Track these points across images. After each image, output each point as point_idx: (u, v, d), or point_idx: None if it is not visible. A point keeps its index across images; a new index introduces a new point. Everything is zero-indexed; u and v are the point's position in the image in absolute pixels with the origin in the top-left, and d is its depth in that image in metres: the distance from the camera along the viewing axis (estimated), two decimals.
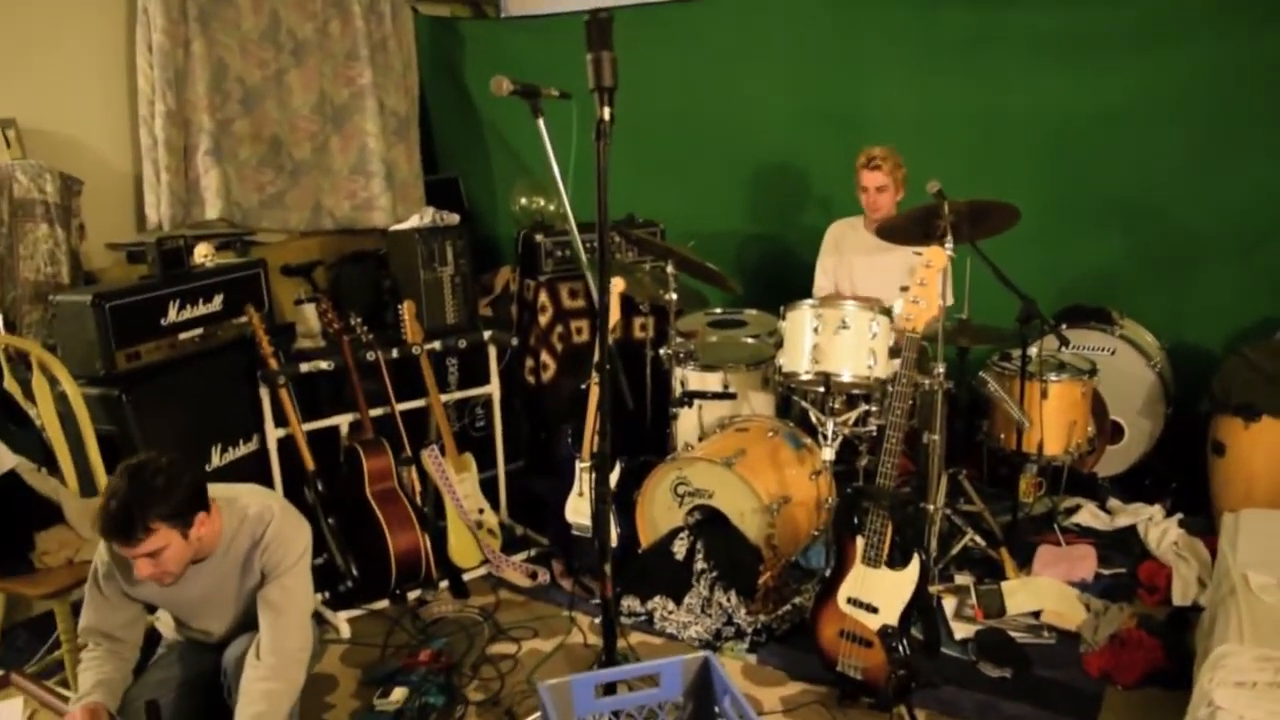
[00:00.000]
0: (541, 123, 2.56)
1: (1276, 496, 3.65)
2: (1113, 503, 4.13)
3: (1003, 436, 3.93)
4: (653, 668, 2.22)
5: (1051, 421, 3.79)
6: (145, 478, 2.19)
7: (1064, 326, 4.32)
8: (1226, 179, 4.14)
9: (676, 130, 5.27)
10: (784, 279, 4.85)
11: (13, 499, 2.94)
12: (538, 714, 2.75)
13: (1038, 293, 4.38)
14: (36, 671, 3.07)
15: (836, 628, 2.94)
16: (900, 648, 2.81)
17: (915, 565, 2.82)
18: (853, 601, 2.90)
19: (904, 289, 2.87)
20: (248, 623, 2.45)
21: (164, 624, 2.73)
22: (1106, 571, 3.68)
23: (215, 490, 2.44)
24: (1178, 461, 4.20)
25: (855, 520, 2.90)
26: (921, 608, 2.93)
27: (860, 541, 2.88)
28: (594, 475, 2.53)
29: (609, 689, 2.26)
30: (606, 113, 2.24)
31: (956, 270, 3.62)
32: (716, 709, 2.16)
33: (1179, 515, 3.90)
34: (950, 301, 3.93)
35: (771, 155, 5.06)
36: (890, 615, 2.84)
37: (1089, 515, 4.06)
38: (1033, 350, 3.88)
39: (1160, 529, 3.81)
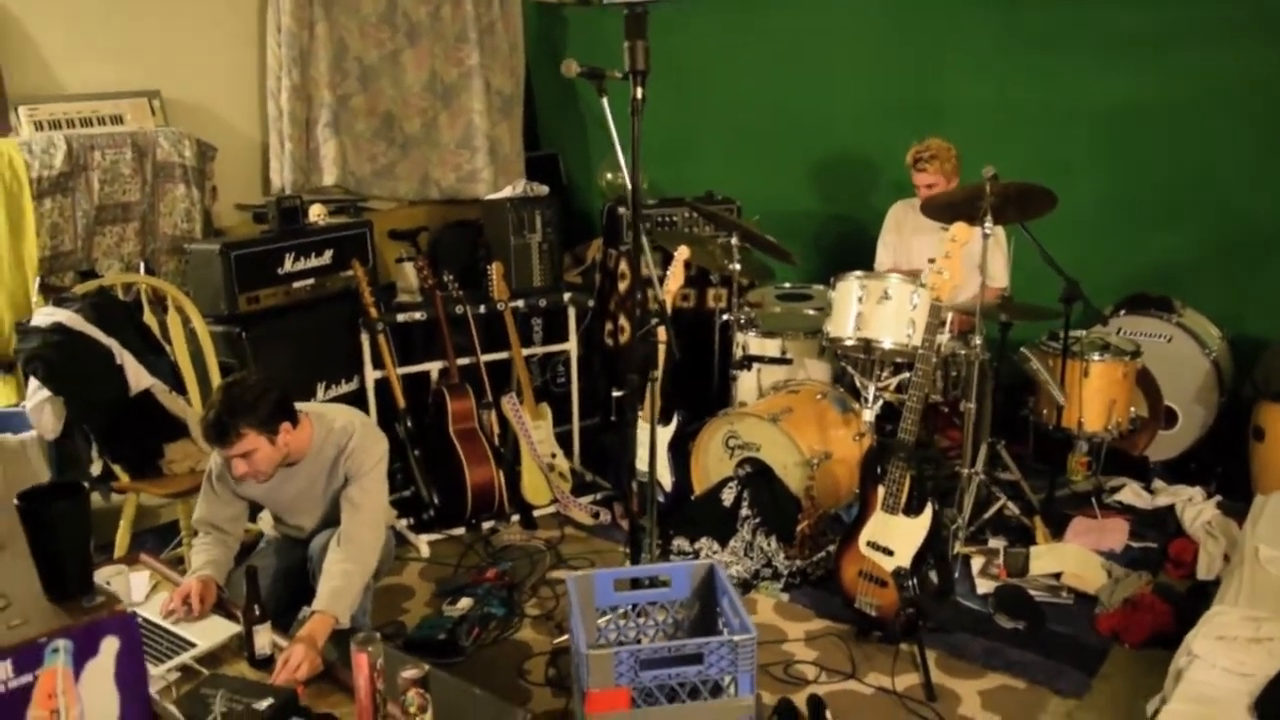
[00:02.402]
0: (605, 102, 2.84)
1: None
2: (1157, 484, 4.27)
3: (1045, 412, 4.12)
4: (665, 569, 2.56)
5: (1092, 400, 3.98)
6: (237, 393, 2.64)
7: (1122, 312, 4.49)
8: None
9: (761, 114, 5.58)
10: (856, 257, 5.08)
11: (148, 414, 3.44)
12: None
13: (1102, 280, 4.59)
14: (167, 559, 3.56)
15: (856, 568, 3.22)
16: (911, 588, 3.08)
17: (929, 513, 3.08)
18: (871, 544, 3.17)
19: (931, 261, 3.12)
20: (332, 519, 2.86)
21: (265, 523, 3.18)
22: (1137, 545, 3.85)
23: (307, 407, 2.88)
24: (1230, 448, 4.30)
25: (879, 470, 3.18)
26: (937, 554, 3.19)
27: (881, 490, 3.16)
28: (621, 401, 2.84)
29: (633, 586, 2.60)
30: (639, 93, 2.53)
31: None
32: (718, 609, 2.48)
33: (1218, 498, 4.03)
34: (1005, 283, 4.16)
35: (849, 140, 5.31)
36: (904, 558, 3.10)
37: (1131, 494, 4.21)
38: (1081, 332, 4.07)
39: (1197, 509, 3.95)
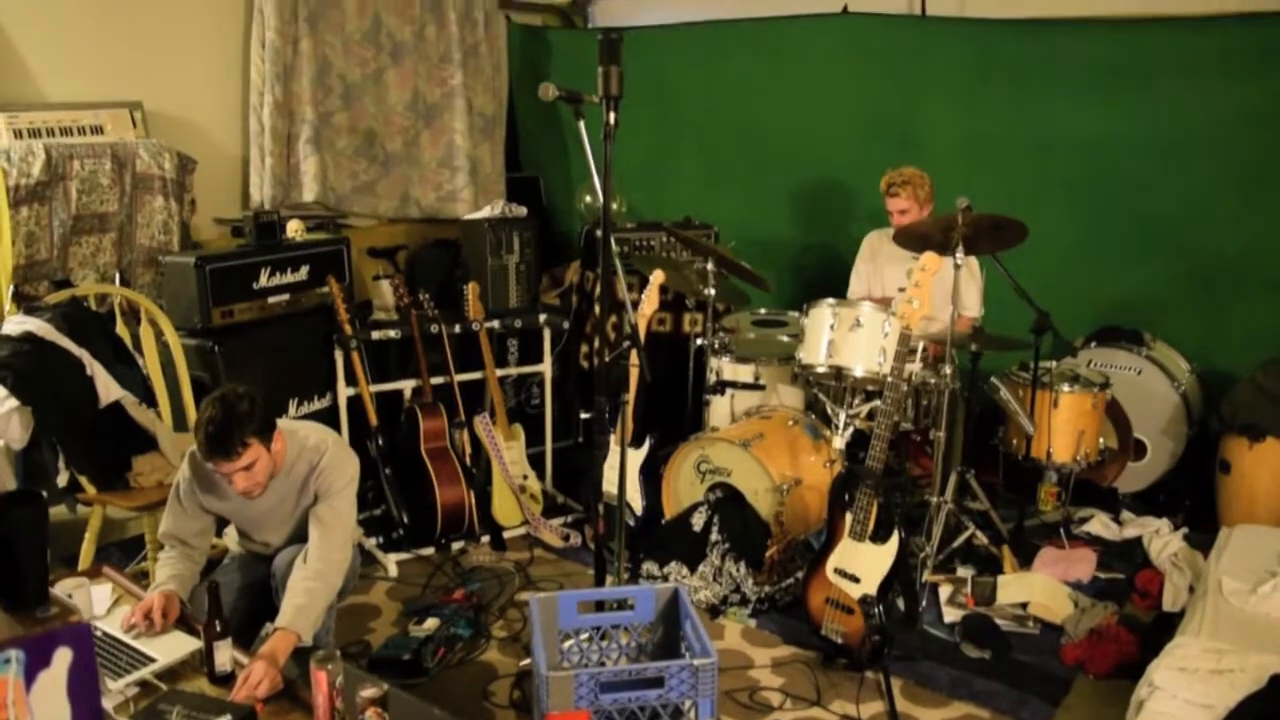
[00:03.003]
0: (582, 125, 2.86)
1: (1278, 514, 3.81)
2: (1125, 515, 4.30)
3: (1015, 442, 4.16)
4: (630, 592, 2.56)
5: (1061, 430, 4.02)
6: (234, 403, 2.61)
7: (1092, 344, 4.54)
8: (1264, 210, 4.29)
9: (741, 141, 5.64)
10: (832, 285, 5.12)
11: (116, 426, 3.42)
12: None
13: (1074, 312, 4.64)
14: (130, 573, 3.54)
15: (823, 595, 3.23)
16: (877, 615, 3.09)
17: (895, 541, 3.10)
18: (839, 571, 3.19)
19: (901, 290, 3.15)
20: (299, 537, 2.85)
21: (230, 539, 3.16)
22: (1104, 575, 3.88)
23: (281, 423, 2.85)
24: (1197, 481, 4.35)
25: (846, 497, 3.19)
26: (903, 582, 3.21)
27: (849, 517, 3.17)
28: (590, 423, 2.85)
29: (597, 608, 2.60)
30: (611, 117, 2.56)
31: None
32: (681, 633, 2.48)
33: (1184, 530, 4.06)
34: (978, 313, 4.20)
35: (827, 168, 5.36)
36: (870, 585, 3.12)
37: (1100, 525, 4.24)
38: (1051, 363, 4.12)
39: (1163, 541, 3.99)
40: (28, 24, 4.05)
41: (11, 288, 3.77)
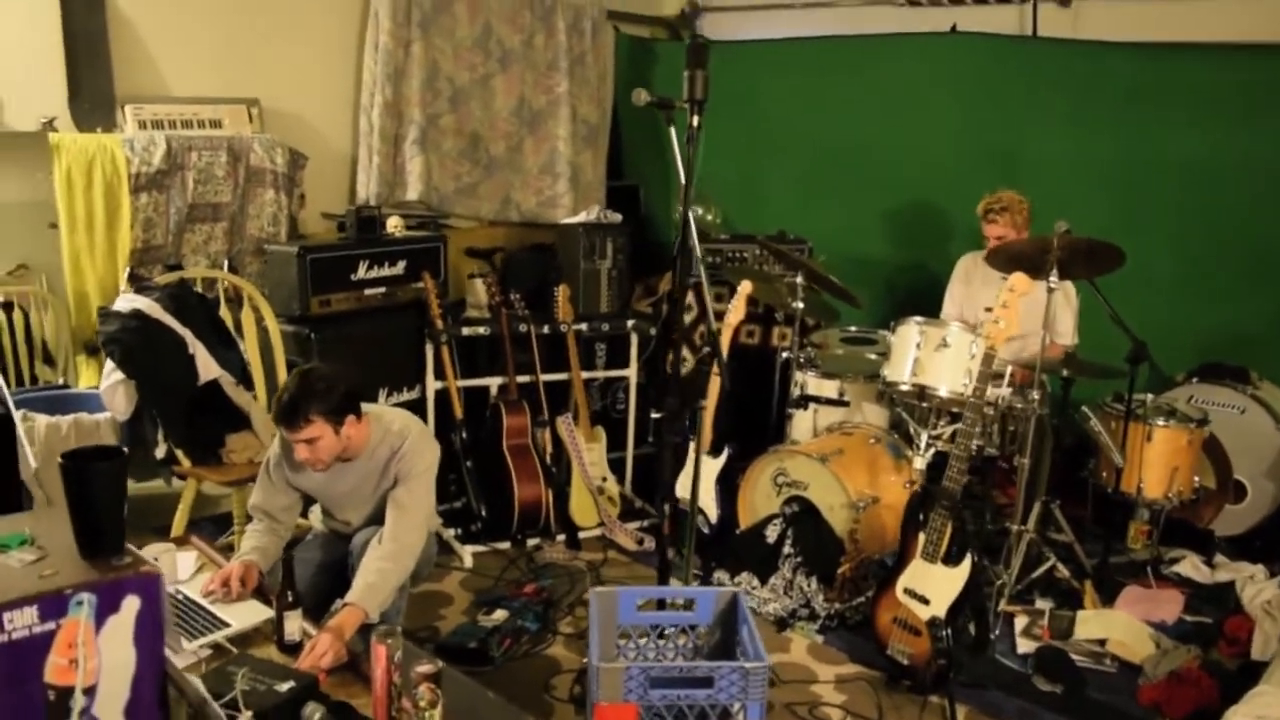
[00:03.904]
0: (673, 131, 2.89)
1: None
2: (1218, 558, 4.14)
3: (1105, 474, 4.04)
4: (691, 592, 2.57)
5: (1153, 465, 3.89)
6: (311, 380, 2.74)
7: (1194, 380, 4.39)
8: None
9: (839, 157, 5.61)
10: (926, 305, 5.05)
11: (213, 404, 3.58)
12: None
13: (1177, 345, 4.50)
14: (218, 546, 3.69)
15: (892, 614, 3.19)
16: (944, 638, 3.04)
17: (967, 564, 3.04)
18: (908, 592, 3.14)
19: (988, 310, 3.10)
20: (378, 518, 2.93)
21: (315, 519, 3.27)
22: (1190, 618, 3.73)
23: (368, 408, 2.96)
24: None
25: (921, 517, 3.15)
26: (974, 607, 3.14)
27: (922, 537, 3.13)
28: (663, 428, 2.87)
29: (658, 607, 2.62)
30: (696, 120, 2.58)
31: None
32: (738, 638, 2.48)
33: None
34: (1071, 340, 4.10)
35: (926, 188, 5.30)
36: (939, 608, 3.07)
37: (1190, 566, 4.09)
38: (1147, 395, 3.99)
39: (1258, 587, 3.81)
40: (157, 22, 4.27)
41: (128, 269, 3.97)
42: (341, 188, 5.09)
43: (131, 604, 1.60)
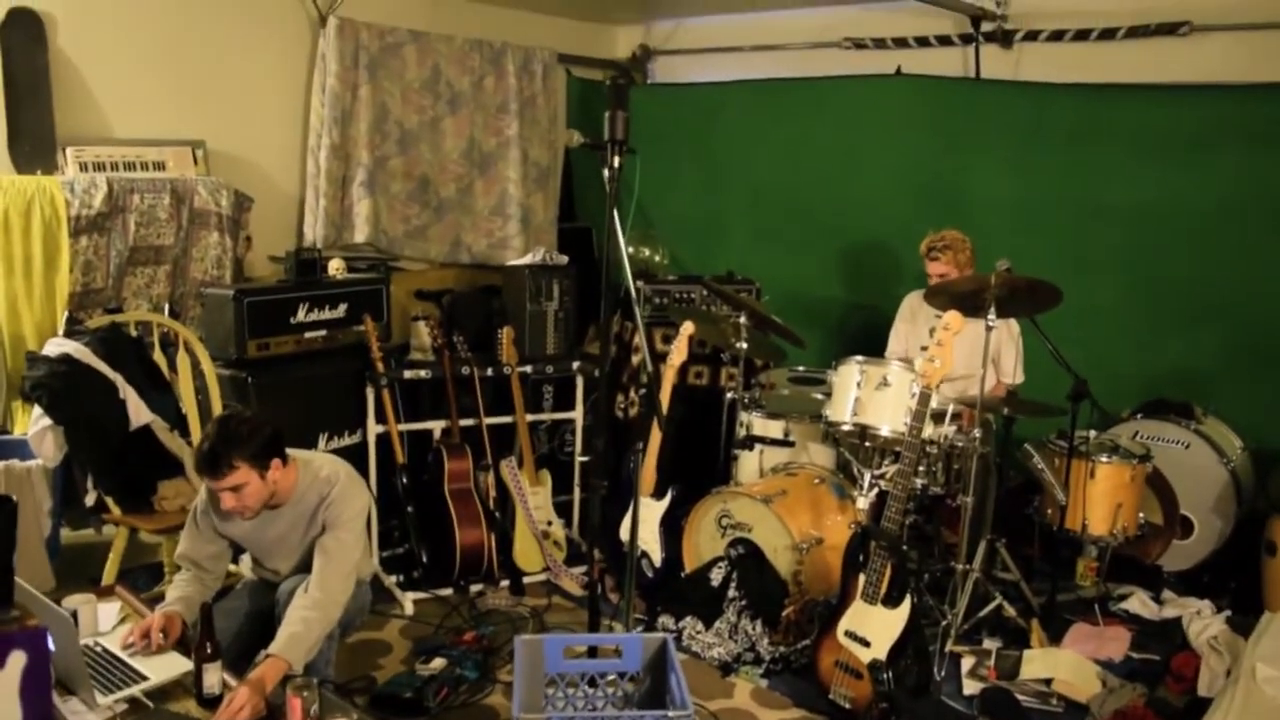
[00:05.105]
0: (606, 173, 2.88)
1: None
2: (1166, 594, 4.14)
3: (1050, 512, 4.04)
4: (617, 639, 2.53)
5: (1098, 502, 3.90)
6: (232, 426, 2.69)
7: (1139, 416, 4.41)
8: None
9: (791, 200, 5.64)
10: (876, 346, 5.07)
11: (145, 450, 3.51)
12: None
13: (1122, 382, 4.53)
14: (147, 598, 3.60)
15: (834, 657, 3.15)
16: (885, 681, 3.01)
17: (907, 605, 3.02)
18: (849, 634, 3.11)
19: (923, 348, 3.10)
20: (307, 566, 2.87)
21: (245, 567, 3.20)
22: (1137, 656, 3.72)
23: (297, 453, 2.92)
24: (1245, 562, 4.17)
25: (860, 557, 3.12)
26: (917, 649, 3.12)
27: (862, 579, 3.10)
28: (590, 476, 2.84)
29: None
30: (616, 161, 2.58)
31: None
32: (667, 685, 2.44)
33: (1227, 613, 3.89)
34: (1015, 379, 4.12)
35: (876, 230, 5.33)
36: (880, 650, 3.04)
37: (1138, 603, 4.08)
38: (1090, 432, 4.01)
39: (1204, 623, 3.81)
40: (101, 63, 4.23)
41: (66, 314, 3.91)
42: (290, 230, 5.05)
43: (17, 660, 1.55)
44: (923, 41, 5.22)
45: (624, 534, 4.07)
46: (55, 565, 3.60)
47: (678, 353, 3.89)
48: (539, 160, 5.87)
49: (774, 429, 4.22)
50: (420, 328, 4.41)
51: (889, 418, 3.66)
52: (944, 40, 5.16)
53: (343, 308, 4.17)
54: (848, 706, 3.11)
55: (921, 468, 3.89)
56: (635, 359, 4.94)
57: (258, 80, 4.81)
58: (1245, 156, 4.27)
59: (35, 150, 4.05)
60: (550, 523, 4.31)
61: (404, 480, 4.10)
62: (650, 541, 3.98)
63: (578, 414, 4.62)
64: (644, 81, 6.51)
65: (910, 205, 5.15)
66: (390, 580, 4.01)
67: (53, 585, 3.52)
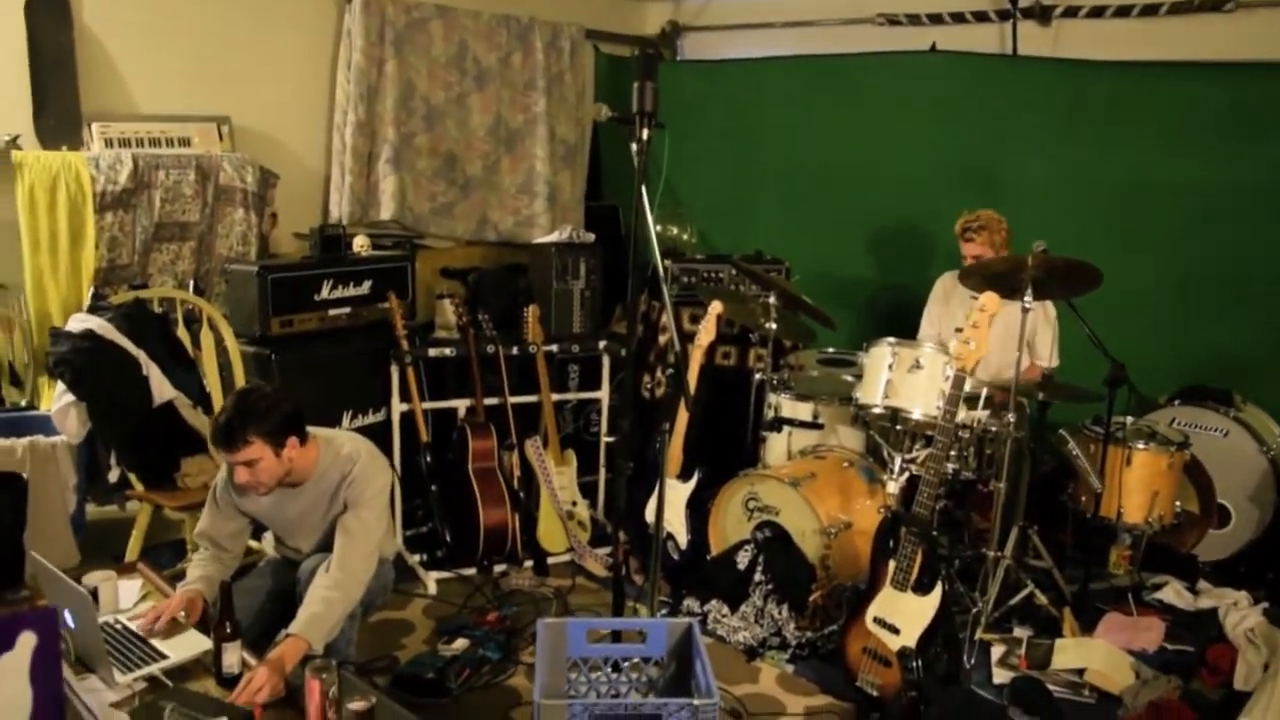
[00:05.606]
0: (634, 147, 2.82)
1: None
2: (1201, 584, 4.05)
3: (1084, 499, 3.95)
4: (641, 624, 2.48)
5: (1133, 490, 3.81)
6: (250, 400, 2.67)
7: (1177, 402, 4.31)
8: None
9: (822, 178, 5.55)
10: (908, 327, 4.99)
11: (168, 426, 3.49)
12: None
13: (1161, 367, 4.43)
14: (169, 575, 3.60)
15: (861, 644, 3.10)
16: (914, 669, 2.95)
17: (938, 593, 2.95)
18: (878, 621, 3.05)
19: (958, 330, 3.03)
20: (329, 545, 2.84)
21: (268, 545, 3.18)
22: (1172, 647, 3.64)
23: (318, 431, 2.89)
24: None
25: (890, 543, 3.06)
26: (947, 637, 3.05)
27: (892, 565, 3.04)
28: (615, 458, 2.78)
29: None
30: (645, 133, 2.51)
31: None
32: (692, 671, 2.39)
33: (1265, 604, 3.80)
34: (1050, 362, 4.03)
35: (908, 209, 5.24)
36: (910, 637, 2.98)
37: (1173, 593, 4.00)
38: (1127, 418, 3.92)
39: (1240, 614, 3.73)
40: (126, 39, 4.20)
41: (91, 290, 3.90)
42: (315, 206, 5.02)
43: (27, 641, 1.52)
44: (958, 17, 5.10)
45: (649, 515, 4.03)
46: (80, 541, 3.60)
47: (705, 333, 3.83)
48: (566, 138, 5.80)
49: (803, 411, 4.15)
50: (445, 306, 4.37)
51: (921, 401, 3.58)
52: (980, 16, 5.04)
53: (367, 285, 4.14)
54: (875, 694, 3.06)
55: (953, 452, 3.82)
56: (662, 339, 4.88)
57: (283, 56, 4.76)
58: None
59: (61, 126, 4.03)
60: (575, 503, 4.27)
61: (428, 459, 4.07)
62: (676, 523, 3.93)
63: (604, 394, 4.58)
64: (673, 58, 6.43)
65: (944, 185, 5.05)
66: (414, 559, 3.99)
67: (77, 561, 3.52)
